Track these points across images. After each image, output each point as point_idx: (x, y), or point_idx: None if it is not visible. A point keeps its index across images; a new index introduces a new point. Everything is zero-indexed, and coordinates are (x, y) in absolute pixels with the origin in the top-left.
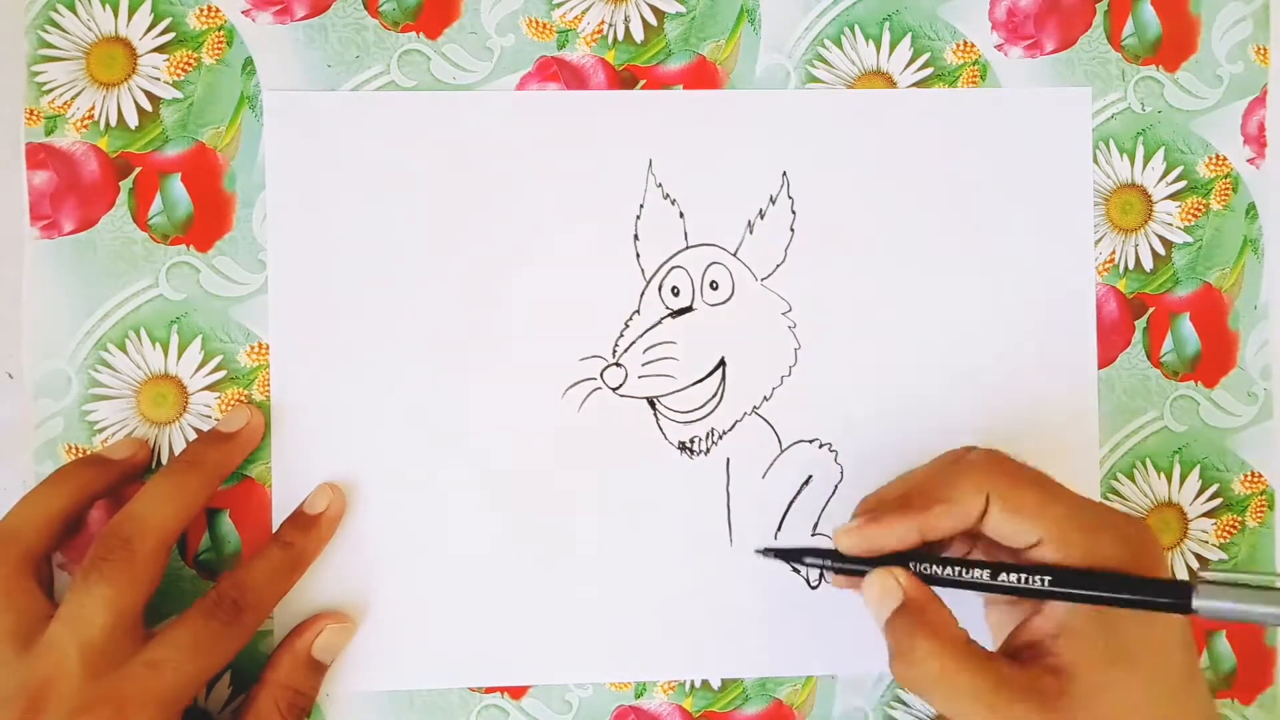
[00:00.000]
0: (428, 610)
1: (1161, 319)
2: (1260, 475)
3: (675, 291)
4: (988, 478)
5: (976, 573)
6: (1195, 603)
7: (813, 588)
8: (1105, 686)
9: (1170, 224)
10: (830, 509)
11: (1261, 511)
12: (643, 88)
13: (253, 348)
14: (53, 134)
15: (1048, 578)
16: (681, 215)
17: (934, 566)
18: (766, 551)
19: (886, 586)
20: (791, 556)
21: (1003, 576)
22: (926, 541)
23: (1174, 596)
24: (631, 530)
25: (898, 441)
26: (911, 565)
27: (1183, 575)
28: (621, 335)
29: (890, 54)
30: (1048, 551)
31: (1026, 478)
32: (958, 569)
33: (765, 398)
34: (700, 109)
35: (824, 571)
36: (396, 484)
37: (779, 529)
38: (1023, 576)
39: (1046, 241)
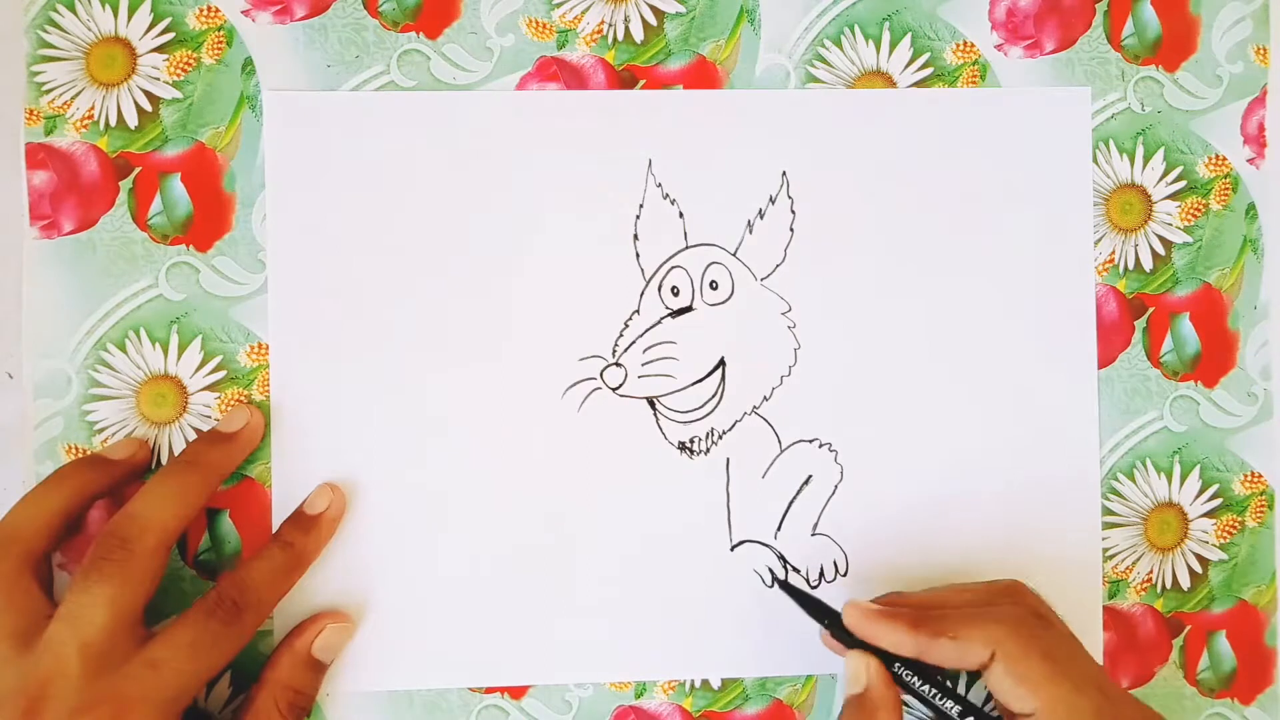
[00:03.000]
0: (428, 610)
1: (1161, 319)
2: (1260, 475)
3: (675, 291)
4: (1002, 636)
5: (949, 704)
6: None
7: (812, 588)
8: None
9: (1170, 224)
10: (830, 509)
11: (1261, 511)
12: (643, 88)
13: (253, 348)
14: (53, 134)
15: None
16: (681, 215)
17: (914, 677)
18: (783, 585)
19: (857, 671)
20: (801, 599)
21: None
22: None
23: None
24: (631, 530)
25: (898, 441)
26: (896, 666)
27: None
28: (621, 335)
29: (890, 54)
30: None
31: (1040, 647)
32: (934, 692)
33: (765, 398)
34: (700, 109)
35: (822, 627)
36: (396, 484)
37: (779, 529)
38: None
39: (1046, 241)
